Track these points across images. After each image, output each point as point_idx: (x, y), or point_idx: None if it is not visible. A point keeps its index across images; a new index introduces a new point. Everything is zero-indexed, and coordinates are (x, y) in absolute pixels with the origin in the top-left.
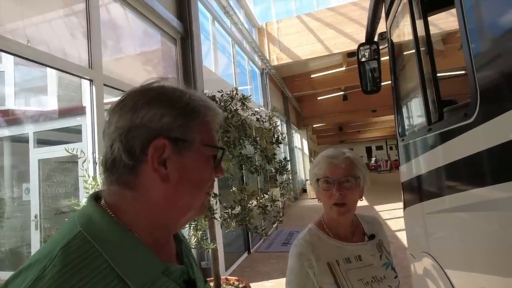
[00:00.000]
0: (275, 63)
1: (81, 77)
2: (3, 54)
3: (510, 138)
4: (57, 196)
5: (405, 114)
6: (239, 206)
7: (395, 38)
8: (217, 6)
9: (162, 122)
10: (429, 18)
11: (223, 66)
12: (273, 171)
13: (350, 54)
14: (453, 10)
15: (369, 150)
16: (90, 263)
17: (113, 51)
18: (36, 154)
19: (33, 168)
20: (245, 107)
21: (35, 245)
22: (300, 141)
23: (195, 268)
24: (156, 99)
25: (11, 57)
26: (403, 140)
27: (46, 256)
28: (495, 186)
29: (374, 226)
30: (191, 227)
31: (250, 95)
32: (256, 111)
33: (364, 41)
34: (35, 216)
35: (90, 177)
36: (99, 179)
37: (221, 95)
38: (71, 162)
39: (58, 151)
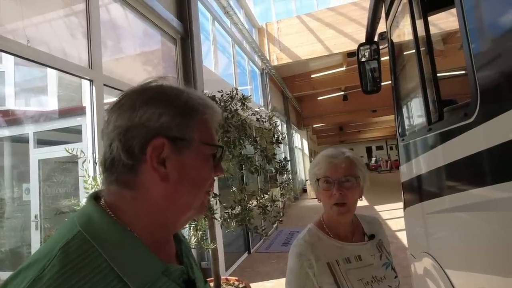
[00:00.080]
0: (275, 63)
1: (81, 77)
2: (3, 54)
3: (510, 138)
4: (57, 196)
5: (405, 114)
6: (239, 206)
7: (395, 38)
8: (217, 6)
9: (160, 121)
10: (429, 18)
11: (223, 66)
12: (273, 171)
13: (350, 54)
14: (453, 10)
15: (369, 150)
16: (90, 263)
17: (113, 51)
18: (36, 154)
19: (33, 168)
20: (245, 107)
21: (35, 245)
22: (300, 141)
23: (195, 268)
24: (154, 98)
25: (11, 57)
26: (403, 140)
27: (45, 256)
28: (495, 186)
29: (374, 226)
30: (191, 227)
31: (250, 95)
32: (256, 111)
33: (364, 41)
34: (35, 216)
35: (90, 177)
36: (99, 179)
37: (221, 95)
38: (71, 162)
39: (58, 151)
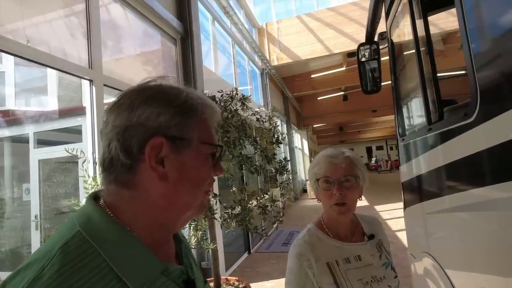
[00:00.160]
0: (275, 63)
1: (81, 77)
2: (3, 54)
3: (510, 138)
4: (57, 196)
5: (405, 114)
6: (239, 206)
7: (395, 38)
8: (217, 6)
9: (159, 121)
10: (429, 18)
11: (223, 66)
12: (273, 171)
13: (350, 54)
14: (453, 10)
15: (369, 150)
16: (89, 263)
17: (113, 51)
18: (36, 154)
19: (33, 168)
20: (245, 107)
21: (35, 246)
22: (300, 141)
23: (195, 268)
24: (153, 98)
25: (11, 57)
26: (403, 140)
27: (44, 255)
28: (495, 186)
29: (374, 226)
30: (191, 227)
31: (250, 95)
32: (256, 111)
33: (364, 41)
34: (35, 217)
35: (90, 177)
36: (99, 179)
37: (221, 95)
38: (71, 162)
39: (58, 152)
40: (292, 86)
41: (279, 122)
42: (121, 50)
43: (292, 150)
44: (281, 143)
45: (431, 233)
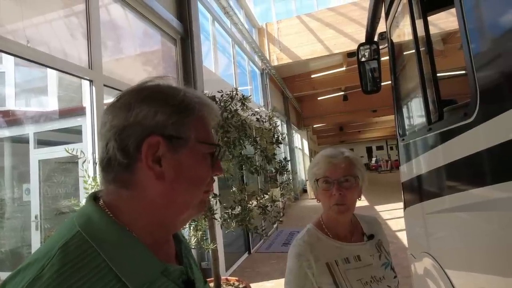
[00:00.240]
0: (275, 63)
1: (81, 78)
2: (3, 55)
3: (510, 138)
4: (57, 197)
5: (405, 114)
6: (239, 207)
7: (395, 38)
8: (217, 7)
9: (156, 120)
10: (429, 18)
11: (223, 66)
12: (273, 171)
13: (350, 54)
14: (453, 10)
15: (369, 150)
16: (89, 263)
17: (113, 52)
18: (37, 154)
19: (34, 168)
20: (245, 107)
21: (36, 246)
22: (300, 141)
23: (195, 269)
24: (150, 97)
25: (12, 57)
26: (403, 140)
27: (44, 255)
28: (495, 186)
29: (373, 226)
30: (191, 228)
31: (250, 95)
32: (256, 111)
33: (364, 41)
34: (36, 217)
35: (90, 177)
36: (99, 180)
37: (221, 95)
38: (71, 162)
39: (58, 152)
40: (292, 86)
41: (279, 122)
42: (121, 51)
43: (292, 150)
44: (281, 143)
45: (431, 233)
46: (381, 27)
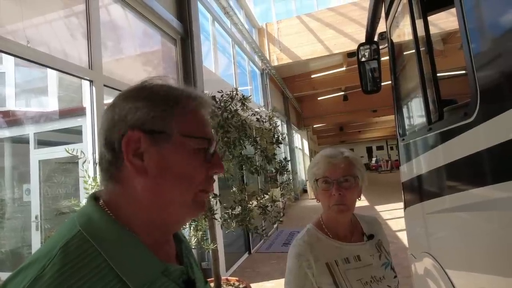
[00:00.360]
0: (275, 63)
1: (81, 78)
2: (3, 55)
3: (510, 138)
4: (57, 197)
5: (405, 114)
6: (240, 207)
7: (395, 38)
8: (217, 7)
9: (137, 116)
10: (429, 18)
11: (223, 66)
12: (273, 171)
13: (350, 54)
14: (453, 10)
15: (369, 150)
16: (89, 263)
17: (113, 52)
18: (37, 155)
19: (34, 169)
20: (245, 107)
21: (36, 246)
22: (300, 141)
23: (195, 269)
24: (133, 95)
25: (12, 58)
26: (403, 140)
27: (45, 255)
28: (495, 186)
29: (373, 226)
30: (191, 228)
31: (250, 96)
32: (256, 111)
33: (364, 41)
34: (36, 217)
35: (90, 177)
36: (99, 180)
37: (221, 96)
38: (72, 162)
39: (58, 152)
40: (292, 86)
41: (279, 122)
42: (121, 51)
43: (292, 150)
44: (281, 143)
45: (432, 233)
46: (381, 27)
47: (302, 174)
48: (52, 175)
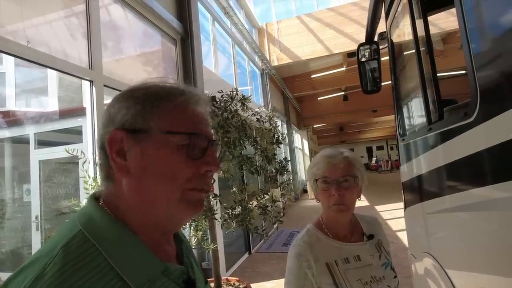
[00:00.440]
0: (275, 63)
1: (81, 78)
2: (3, 55)
3: (510, 138)
4: (57, 197)
5: (405, 114)
6: (240, 207)
7: (395, 38)
8: (217, 7)
9: (120, 115)
10: (429, 18)
11: (223, 66)
12: (274, 171)
13: (350, 54)
14: (453, 10)
15: (369, 150)
16: (90, 262)
17: (113, 52)
18: (37, 155)
19: (34, 169)
20: (245, 108)
21: (36, 246)
22: (300, 142)
23: (196, 269)
24: (120, 97)
25: (12, 58)
26: (403, 140)
27: (46, 254)
28: (496, 186)
29: (373, 226)
30: (192, 228)
31: (250, 96)
32: (256, 112)
33: (364, 41)
34: (36, 217)
35: (91, 177)
36: (99, 180)
37: (221, 96)
38: (72, 163)
39: (58, 152)
40: (292, 86)
41: (279, 123)
42: (121, 51)
43: (292, 150)
44: (281, 143)
45: (432, 233)
46: (381, 27)
47: (302, 174)
48: (52, 175)
